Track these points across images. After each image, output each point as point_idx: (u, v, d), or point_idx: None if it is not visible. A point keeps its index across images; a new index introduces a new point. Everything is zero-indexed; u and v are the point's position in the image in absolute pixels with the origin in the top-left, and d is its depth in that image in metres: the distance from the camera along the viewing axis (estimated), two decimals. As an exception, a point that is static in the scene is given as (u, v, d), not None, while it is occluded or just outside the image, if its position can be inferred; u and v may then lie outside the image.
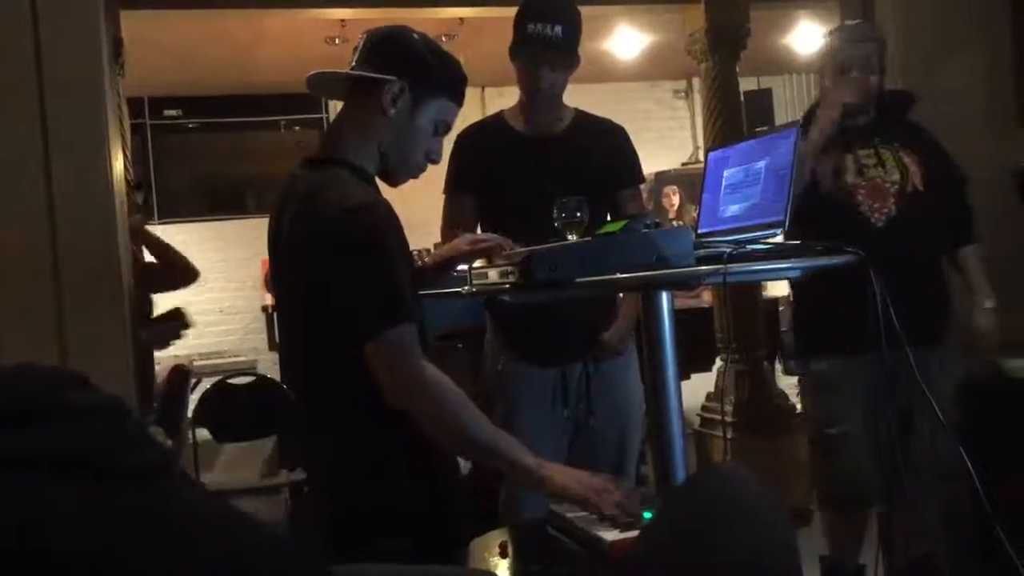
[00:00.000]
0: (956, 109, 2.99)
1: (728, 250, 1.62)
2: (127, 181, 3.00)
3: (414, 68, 1.75)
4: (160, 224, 6.99)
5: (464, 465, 1.94)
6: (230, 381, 4.30)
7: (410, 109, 1.76)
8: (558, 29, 2.44)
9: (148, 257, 3.25)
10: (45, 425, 0.66)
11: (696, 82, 7.48)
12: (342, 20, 5.71)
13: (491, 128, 2.65)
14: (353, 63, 1.79)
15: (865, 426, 2.64)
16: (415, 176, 1.85)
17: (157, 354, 3.44)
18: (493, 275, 1.91)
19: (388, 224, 1.62)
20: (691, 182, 7.38)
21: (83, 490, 0.64)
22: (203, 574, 0.64)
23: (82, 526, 0.63)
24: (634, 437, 2.65)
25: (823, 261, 1.76)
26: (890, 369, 2.45)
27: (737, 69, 4.66)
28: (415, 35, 1.80)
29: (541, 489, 1.62)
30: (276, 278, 1.85)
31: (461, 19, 5.70)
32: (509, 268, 1.70)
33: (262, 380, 4.39)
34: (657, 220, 1.73)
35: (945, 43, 2.99)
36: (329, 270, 1.60)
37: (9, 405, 0.67)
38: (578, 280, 1.60)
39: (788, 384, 6.27)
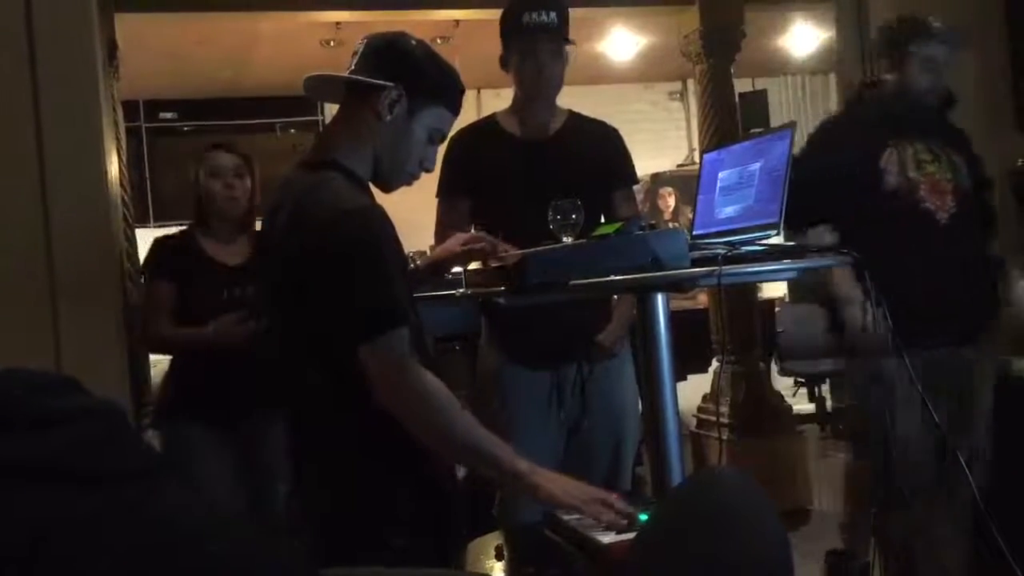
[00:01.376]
0: (953, 111, 2.99)
1: (723, 252, 1.62)
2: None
3: (412, 76, 1.76)
4: (156, 227, 6.99)
5: (460, 468, 1.94)
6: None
7: (406, 116, 1.76)
8: (552, 15, 2.46)
9: None
10: (26, 430, 0.66)
11: (691, 84, 7.48)
12: (337, 22, 5.71)
13: (484, 130, 2.65)
14: (352, 68, 1.79)
15: (922, 424, 2.61)
16: (408, 183, 1.85)
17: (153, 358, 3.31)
18: (488, 278, 1.91)
19: (381, 228, 1.62)
20: (687, 184, 7.38)
21: (59, 496, 0.64)
22: None
23: (56, 532, 0.62)
24: (629, 439, 2.65)
25: (818, 262, 1.76)
26: (947, 368, 2.46)
27: (732, 71, 4.67)
28: (415, 42, 1.81)
29: (532, 496, 1.62)
30: (266, 281, 1.85)
31: (456, 21, 5.70)
32: (504, 271, 1.70)
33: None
34: (652, 222, 1.73)
35: (940, 45, 2.99)
36: (322, 274, 1.60)
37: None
38: (572, 283, 1.60)
39: (784, 385, 6.30)
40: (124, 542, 0.64)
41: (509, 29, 2.51)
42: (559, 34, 2.49)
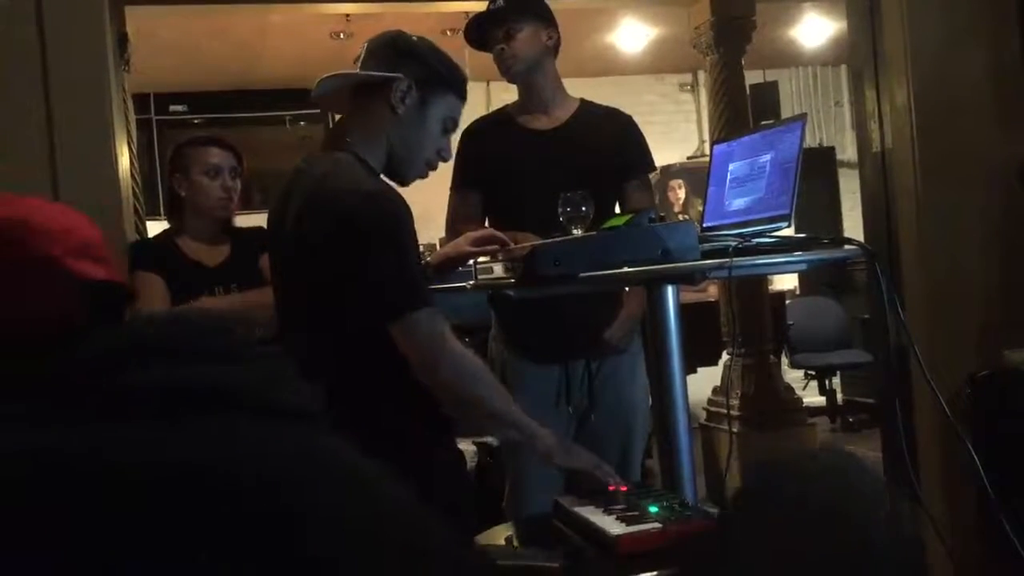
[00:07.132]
0: (964, 103, 2.97)
1: (733, 244, 1.62)
2: None
3: (418, 66, 1.78)
4: (167, 219, 7.01)
5: (471, 461, 1.94)
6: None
7: (419, 107, 1.78)
8: (499, 1, 2.47)
9: None
10: (227, 362, 0.68)
11: (702, 75, 7.45)
12: (347, 14, 5.72)
13: (495, 123, 2.64)
14: (357, 69, 1.80)
15: None
16: (424, 175, 1.87)
17: None
18: (498, 270, 1.92)
19: (403, 211, 1.65)
20: (697, 176, 7.36)
21: (258, 422, 0.65)
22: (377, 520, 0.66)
23: (263, 454, 0.63)
24: (638, 434, 2.63)
25: (829, 254, 1.75)
26: None
27: (743, 62, 4.65)
28: (415, 37, 1.83)
29: (554, 458, 1.73)
30: (278, 270, 1.85)
31: (466, 13, 5.68)
32: (513, 263, 1.71)
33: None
34: (662, 214, 1.73)
35: (952, 37, 2.97)
36: (346, 256, 1.61)
37: (184, 342, 0.68)
38: (582, 275, 1.60)
39: (794, 378, 6.29)
40: (326, 472, 0.66)
41: (465, 30, 2.55)
42: (511, 11, 2.47)
